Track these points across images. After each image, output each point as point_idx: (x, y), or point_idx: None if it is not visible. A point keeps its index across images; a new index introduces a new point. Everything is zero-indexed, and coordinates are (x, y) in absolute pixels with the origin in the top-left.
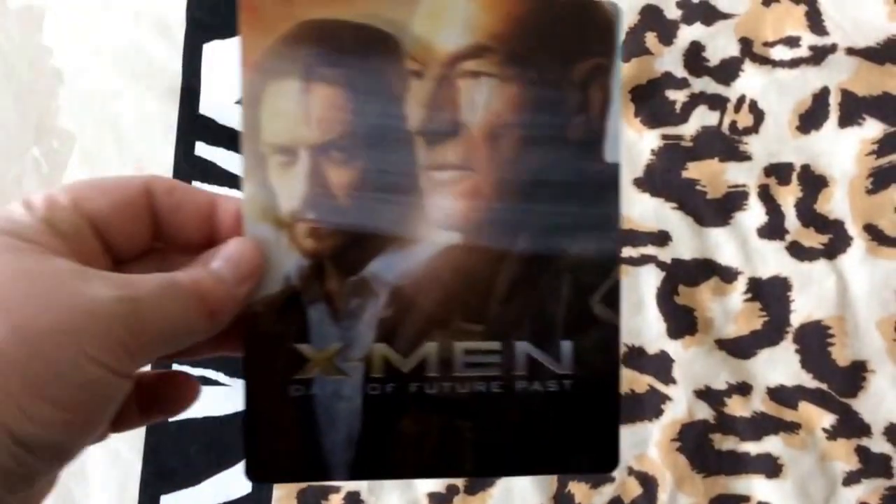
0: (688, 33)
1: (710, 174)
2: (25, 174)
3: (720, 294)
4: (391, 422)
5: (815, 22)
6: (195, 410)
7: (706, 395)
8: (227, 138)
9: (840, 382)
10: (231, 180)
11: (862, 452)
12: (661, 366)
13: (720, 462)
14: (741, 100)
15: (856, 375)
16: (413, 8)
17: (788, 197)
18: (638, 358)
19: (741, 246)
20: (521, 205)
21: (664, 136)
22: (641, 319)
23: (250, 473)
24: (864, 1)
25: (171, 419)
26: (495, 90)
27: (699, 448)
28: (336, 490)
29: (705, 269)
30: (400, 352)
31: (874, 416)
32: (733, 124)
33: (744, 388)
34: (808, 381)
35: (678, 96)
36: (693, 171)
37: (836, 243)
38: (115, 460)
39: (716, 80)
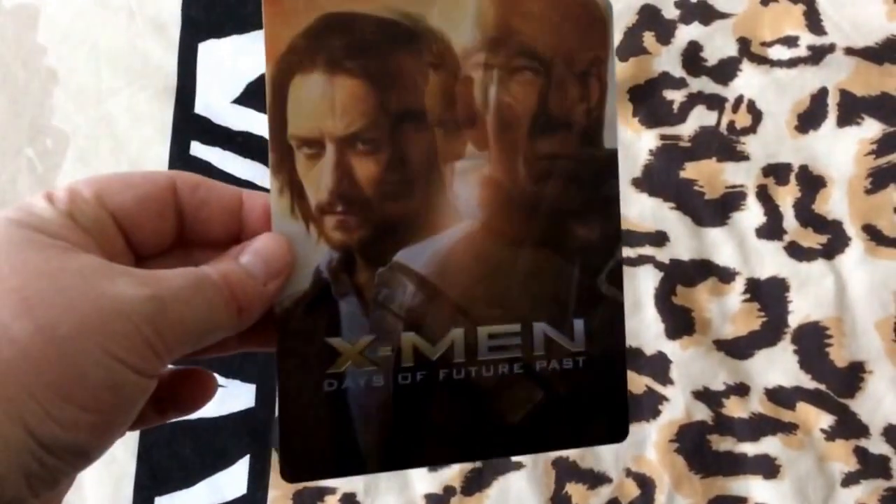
0: (686, 33)
1: (708, 174)
2: (19, 174)
3: (718, 294)
4: (421, 410)
5: (814, 21)
6: None
7: (704, 395)
8: (222, 138)
9: (838, 383)
10: (226, 180)
11: (860, 453)
12: (658, 366)
13: (718, 463)
14: (739, 100)
15: (854, 376)
16: (428, 3)
17: (787, 197)
18: (636, 358)
19: (739, 246)
20: (533, 190)
21: (662, 136)
22: (639, 320)
23: (287, 473)
24: (862, 0)
25: None
26: (506, 81)
27: (697, 449)
28: (332, 491)
29: (703, 270)
30: (428, 340)
31: (872, 416)
32: (731, 124)
33: (742, 389)
34: (807, 382)
35: (676, 96)
36: (691, 171)
37: (835, 244)
38: (109, 462)
39: (714, 80)
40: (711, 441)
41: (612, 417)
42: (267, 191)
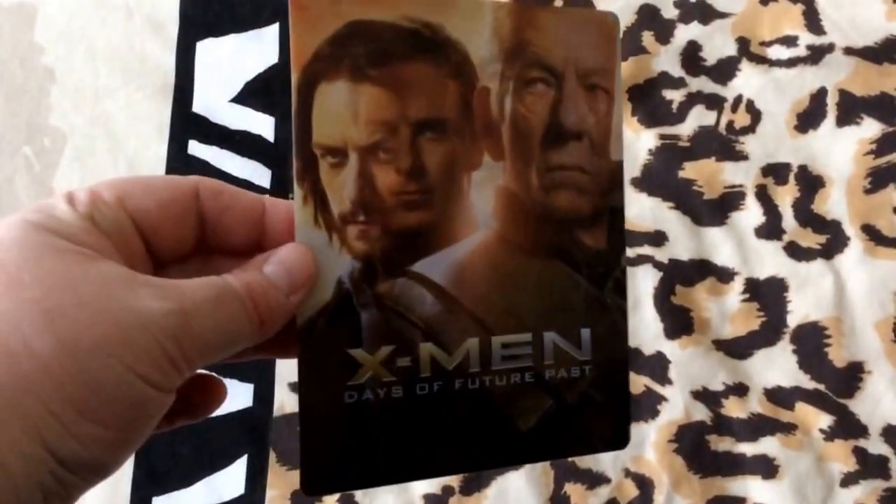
0: (685, 33)
1: (707, 174)
2: (17, 173)
3: (717, 294)
4: (439, 419)
5: (813, 21)
6: None
7: (703, 395)
8: (220, 137)
9: (837, 383)
10: (223, 179)
11: (859, 453)
12: (657, 366)
13: (717, 463)
14: (738, 99)
15: (853, 376)
16: (449, 14)
17: (786, 197)
18: (634, 358)
19: (738, 246)
20: (545, 200)
21: (661, 136)
22: (638, 320)
23: (309, 488)
24: (861, 0)
25: None
26: (520, 92)
27: (696, 449)
28: None
29: (702, 270)
30: (445, 350)
31: (871, 417)
32: (730, 124)
33: (741, 389)
34: (806, 382)
35: (675, 96)
36: (690, 170)
37: (834, 243)
38: None
39: (713, 80)
40: (710, 441)
41: (615, 425)
42: (266, 191)
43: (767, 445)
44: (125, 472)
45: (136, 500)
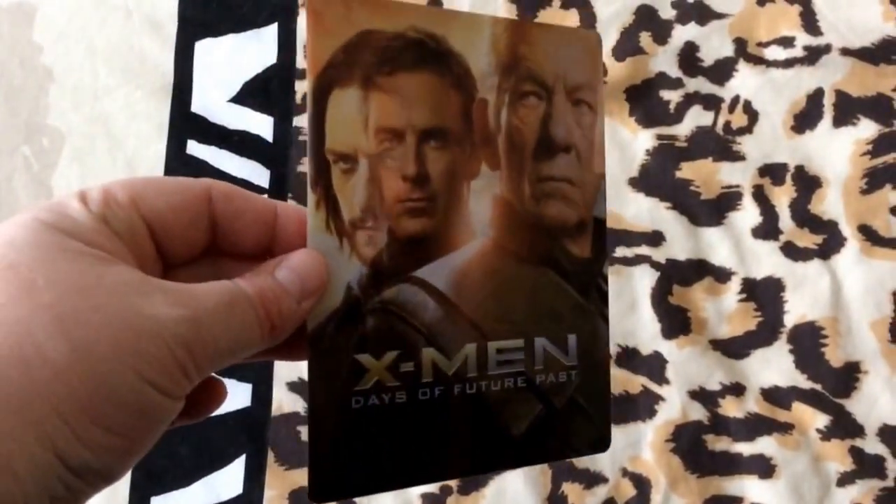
0: (682, 33)
1: (704, 174)
2: (16, 172)
3: (714, 294)
4: (439, 425)
5: (810, 22)
6: None
7: (700, 395)
8: (218, 136)
9: (834, 383)
10: (222, 179)
11: (856, 453)
12: (654, 366)
13: (714, 463)
14: (735, 100)
15: (849, 376)
16: (451, 27)
17: (782, 197)
18: (632, 358)
19: (735, 246)
20: (536, 210)
21: (658, 136)
22: (635, 320)
23: (317, 494)
24: (858, 1)
25: None
26: (515, 105)
27: (693, 449)
28: None
29: (699, 270)
30: (445, 355)
31: (867, 416)
32: (727, 124)
33: (737, 389)
34: (802, 382)
35: (672, 96)
36: (687, 171)
37: (830, 244)
38: None
39: (710, 80)
40: (707, 441)
41: (598, 428)
42: (265, 191)
43: (764, 445)
44: None
45: (134, 500)
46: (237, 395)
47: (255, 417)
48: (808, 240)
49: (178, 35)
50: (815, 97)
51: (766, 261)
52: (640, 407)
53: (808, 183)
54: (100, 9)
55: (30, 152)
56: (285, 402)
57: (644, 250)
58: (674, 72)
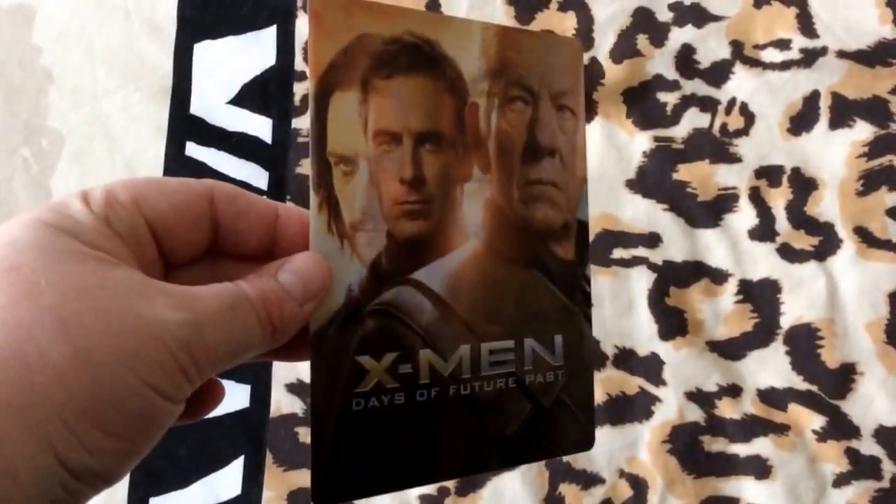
0: (679, 35)
1: (700, 176)
2: (15, 173)
3: (711, 296)
4: (436, 426)
5: (806, 24)
6: None
7: (696, 396)
8: (217, 138)
9: (830, 384)
10: (221, 180)
11: (851, 454)
12: (651, 367)
13: (710, 464)
14: (732, 102)
15: (845, 377)
16: (444, 31)
17: (779, 199)
18: (629, 360)
19: (732, 248)
20: (524, 213)
21: (655, 138)
22: (632, 321)
23: (320, 496)
24: (854, 3)
25: None
26: (504, 109)
27: (689, 450)
28: None
29: (696, 271)
30: (441, 356)
31: (863, 418)
32: (724, 126)
33: (734, 390)
34: (798, 383)
35: (669, 98)
36: (684, 172)
37: (827, 245)
38: None
39: (707, 83)
40: (704, 442)
41: (583, 427)
42: (263, 193)
43: (760, 446)
44: None
45: (133, 501)
46: (236, 396)
47: (253, 418)
48: (804, 241)
49: (178, 37)
50: (812, 99)
51: (762, 262)
52: (637, 408)
53: (804, 185)
54: (99, 10)
55: (29, 154)
56: (284, 403)
57: (641, 252)
58: (671, 74)
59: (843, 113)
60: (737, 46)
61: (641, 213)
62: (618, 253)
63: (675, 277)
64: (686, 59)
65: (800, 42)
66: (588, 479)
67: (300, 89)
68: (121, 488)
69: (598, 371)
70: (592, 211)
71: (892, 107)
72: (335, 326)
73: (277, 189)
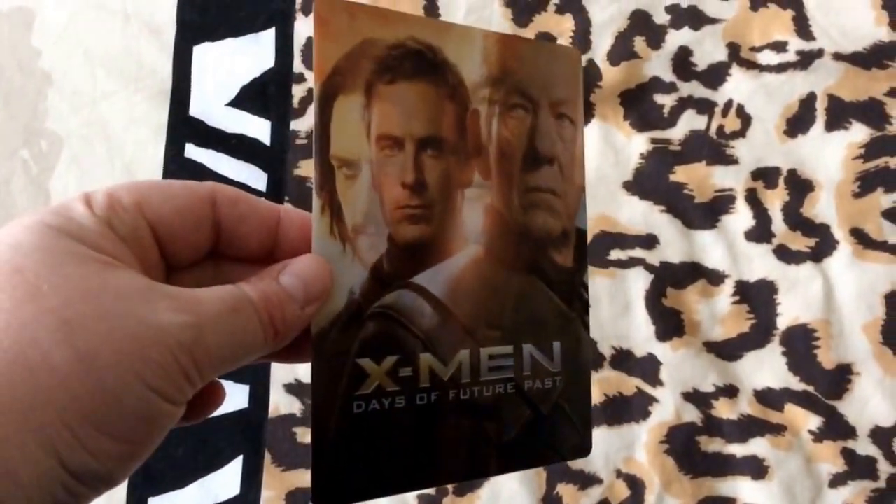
0: (676, 38)
1: (697, 178)
2: (14, 175)
3: (708, 297)
4: (435, 429)
5: (802, 27)
6: None
7: (693, 397)
8: (216, 140)
9: (826, 385)
10: (220, 182)
11: (847, 454)
12: (648, 368)
13: (707, 464)
14: (728, 104)
15: (841, 378)
16: (446, 38)
17: (775, 201)
18: (626, 360)
19: (728, 249)
20: (523, 219)
21: (653, 140)
22: (629, 322)
23: (320, 498)
24: (850, 6)
25: None
26: (504, 116)
27: (686, 450)
28: None
29: (693, 272)
30: (442, 360)
31: (859, 418)
32: (721, 128)
33: (731, 391)
34: (795, 384)
35: (666, 100)
36: (681, 174)
37: (823, 247)
38: None
39: (703, 85)
40: (701, 442)
41: (580, 434)
42: (262, 194)
43: (757, 446)
44: None
45: (132, 501)
46: (234, 397)
47: (252, 419)
48: (800, 243)
49: (177, 39)
50: (808, 101)
51: (758, 263)
52: (634, 408)
53: (800, 186)
54: (98, 13)
55: (28, 155)
56: (282, 403)
57: (638, 253)
58: (668, 76)
59: (840, 115)
60: (733, 49)
61: (638, 214)
62: (615, 254)
63: (672, 278)
64: (683, 62)
65: (796, 44)
66: (585, 480)
67: (299, 91)
68: (120, 488)
69: (596, 372)
70: (590, 212)
71: (888, 109)
72: (336, 329)
73: (276, 191)
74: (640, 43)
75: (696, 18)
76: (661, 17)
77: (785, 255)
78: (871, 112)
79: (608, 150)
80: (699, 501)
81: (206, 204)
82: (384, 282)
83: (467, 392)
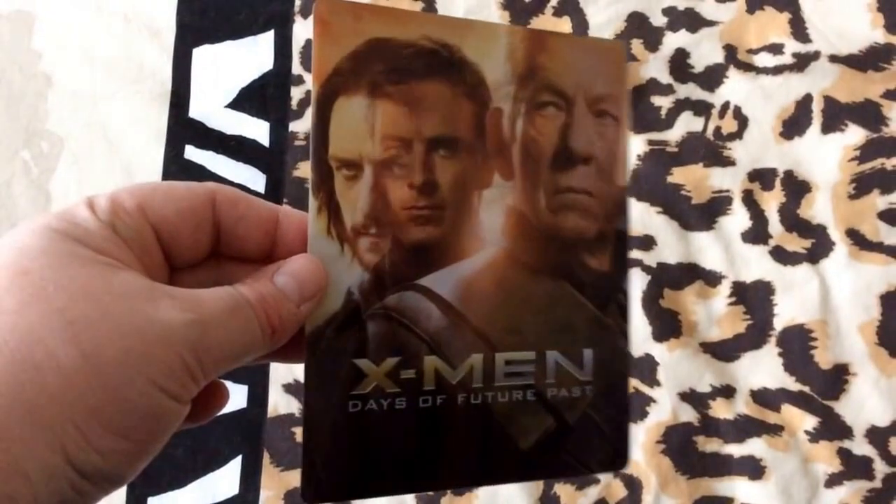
0: (673, 40)
1: (694, 179)
2: (15, 176)
3: (704, 298)
4: (441, 433)
5: (799, 29)
6: None
7: (690, 397)
8: (216, 142)
9: (822, 385)
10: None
11: (844, 454)
12: (645, 368)
13: (704, 464)
14: (725, 106)
15: (838, 378)
16: (464, 35)
17: (772, 202)
18: None
19: (725, 250)
20: (552, 221)
21: (650, 142)
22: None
23: (308, 494)
24: (846, 9)
25: None
26: (532, 115)
27: (683, 450)
28: None
29: (690, 273)
30: (450, 364)
31: (856, 418)
32: (718, 130)
33: (727, 391)
34: (791, 384)
35: (663, 102)
36: (678, 176)
37: (819, 248)
38: None
39: (700, 87)
40: (697, 442)
41: (614, 445)
42: (261, 195)
43: (754, 446)
44: None
45: (132, 500)
46: (233, 397)
47: (250, 419)
48: (796, 244)
49: (176, 42)
50: (804, 103)
51: (755, 265)
52: (632, 409)
53: (796, 188)
54: (99, 16)
55: (29, 157)
56: (281, 403)
57: (635, 254)
58: (665, 78)
59: (836, 117)
60: (730, 51)
61: (636, 215)
62: None
63: (669, 279)
64: (680, 64)
65: (792, 47)
66: (583, 480)
67: (297, 93)
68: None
69: None
70: None
71: (884, 110)
72: (332, 328)
73: (274, 192)
74: (637, 45)
75: (693, 21)
76: (659, 20)
77: (781, 256)
78: (867, 114)
79: None
80: (696, 501)
81: (207, 205)
82: (387, 283)
83: (479, 397)
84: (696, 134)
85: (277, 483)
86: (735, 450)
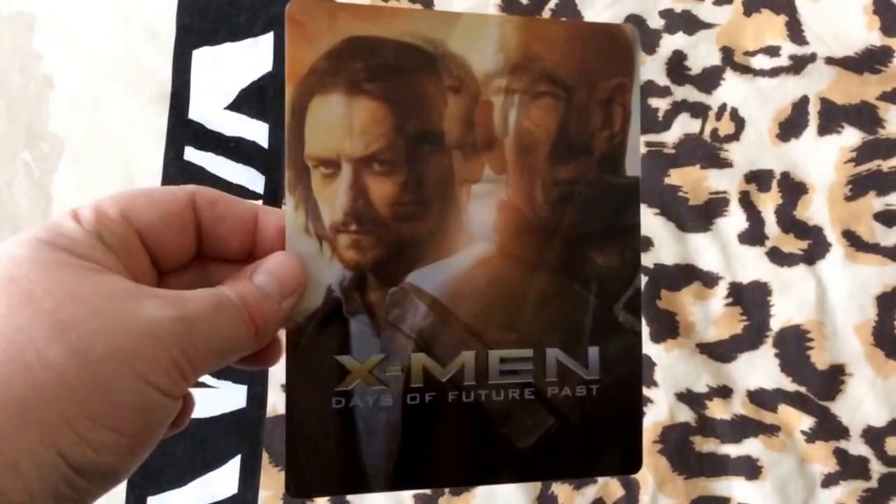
0: (670, 42)
1: (691, 181)
2: (16, 178)
3: (701, 298)
4: (430, 431)
5: (795, 31)
6: None
7: (687, 397)
8: (215, 143)
9: (819, 386)
10: (219, 184)
11: (840, 455)
12: (643, 369)
13: (701, 464)
14: (722, 108)
15: (834, 379)
16: (450, 28)
17: (768, 203)
18: None
19: (722, 251)
20: (551, 215)
21: (647, 143)
22: None
23: (292, 489)
24: (843, 11)
25: None
26: (527, 106)
27: (680, 450)
28: None
29: (687, 274)
30: (439, 361)
31: (852, 418)
32: (714, 132)
33: (724, 391)
34: (788, 385)
35: (661, 104)
36: (675, 177)
37: (816, 249)
38: None
39: (697, 89)
40: (695, 442)
41: (626, 448)
42: (260, 196)
43: (751, 447)
44: None
45: (131, 499)
46: (232, 397)
47: (249, 418)
48: (793, 245)
49: (176, 44)
50: (801, 105)
51: (752, 266)
52: None
53: (793, 189)
54: (99, 18)
55: (30, 158)
56: (280, 403)
57: None
58: (662, 80)
59: (832, 118)
60: (727, 53)
61: None
62: None
63: (667, 280)
64: (677, 66)
65: (789, 49)
66: (581, 480)
67: None
68: (119, 487)
69: None
70: None
71: (880, 112)
72: (313, 326)
73: (273, 192)
74: None
75: (690, 23)
76: (656, 22)
77: (778, 257)
78: (863, 116)
79: None
80: (693, 501)
81: (187, 208)
82: (370, 280)
83: (471, 395)
84: (693, 135)
85: (276, 482)
86: (732, 450)
